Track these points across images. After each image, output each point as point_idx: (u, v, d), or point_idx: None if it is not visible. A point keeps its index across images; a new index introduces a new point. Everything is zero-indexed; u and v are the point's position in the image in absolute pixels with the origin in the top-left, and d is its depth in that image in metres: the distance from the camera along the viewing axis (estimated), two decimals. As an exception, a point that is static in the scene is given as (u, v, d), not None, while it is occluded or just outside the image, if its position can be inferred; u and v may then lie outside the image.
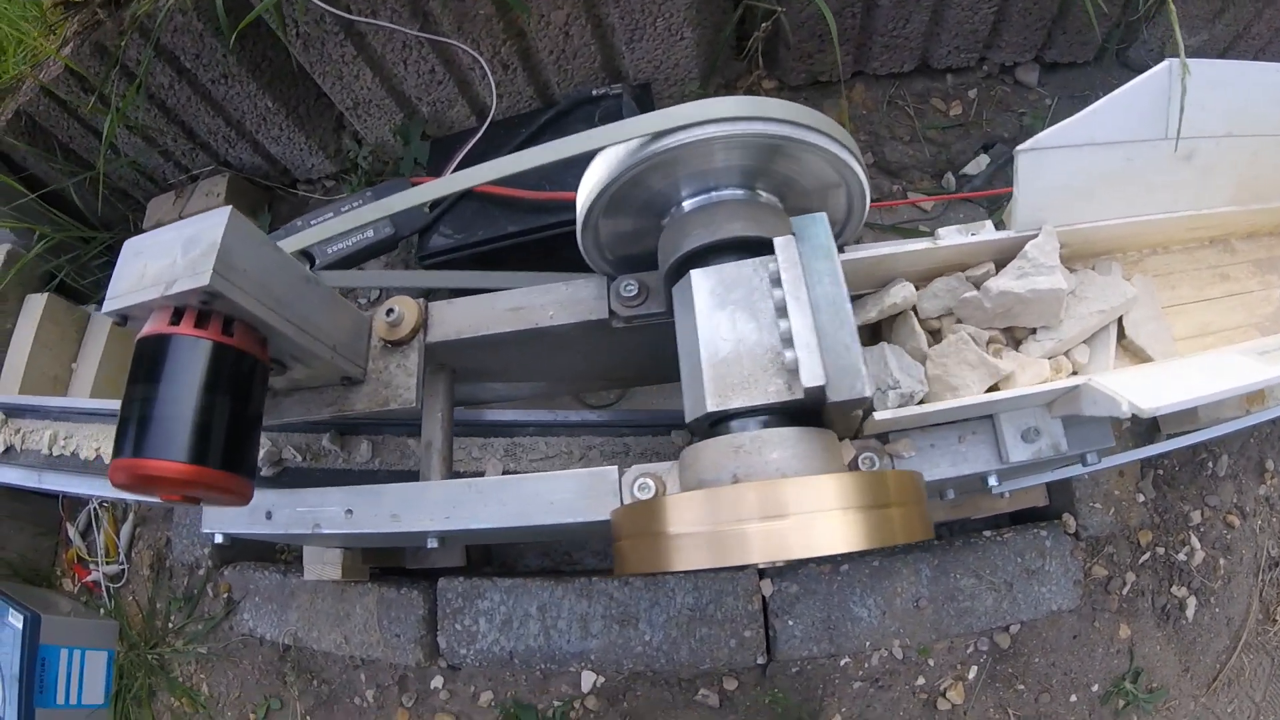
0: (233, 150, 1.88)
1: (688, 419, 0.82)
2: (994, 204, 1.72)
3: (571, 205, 1.42)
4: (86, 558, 2.01)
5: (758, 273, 0.82)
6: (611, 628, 1.46)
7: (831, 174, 0.90)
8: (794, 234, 0.82)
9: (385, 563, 1.60)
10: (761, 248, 0.82)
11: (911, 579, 1.51)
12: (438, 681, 1.58)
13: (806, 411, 0.78)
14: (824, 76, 1.69)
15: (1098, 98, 0.87)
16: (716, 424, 0.80)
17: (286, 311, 0.83)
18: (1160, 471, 1.73)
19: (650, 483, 0.86)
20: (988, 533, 1.57)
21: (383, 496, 1.02)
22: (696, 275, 0.83)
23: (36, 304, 2.00)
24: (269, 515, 1.06)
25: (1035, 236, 0.94)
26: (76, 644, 1.83)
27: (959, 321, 0.98)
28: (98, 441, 1.49)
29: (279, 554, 1.84)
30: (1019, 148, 0.90)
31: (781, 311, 0.77)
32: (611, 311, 1.04)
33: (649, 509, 0.75)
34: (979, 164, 1.75)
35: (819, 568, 1.48)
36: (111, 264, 0.78)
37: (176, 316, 0.75)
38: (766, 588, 1.46)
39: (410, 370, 1.05)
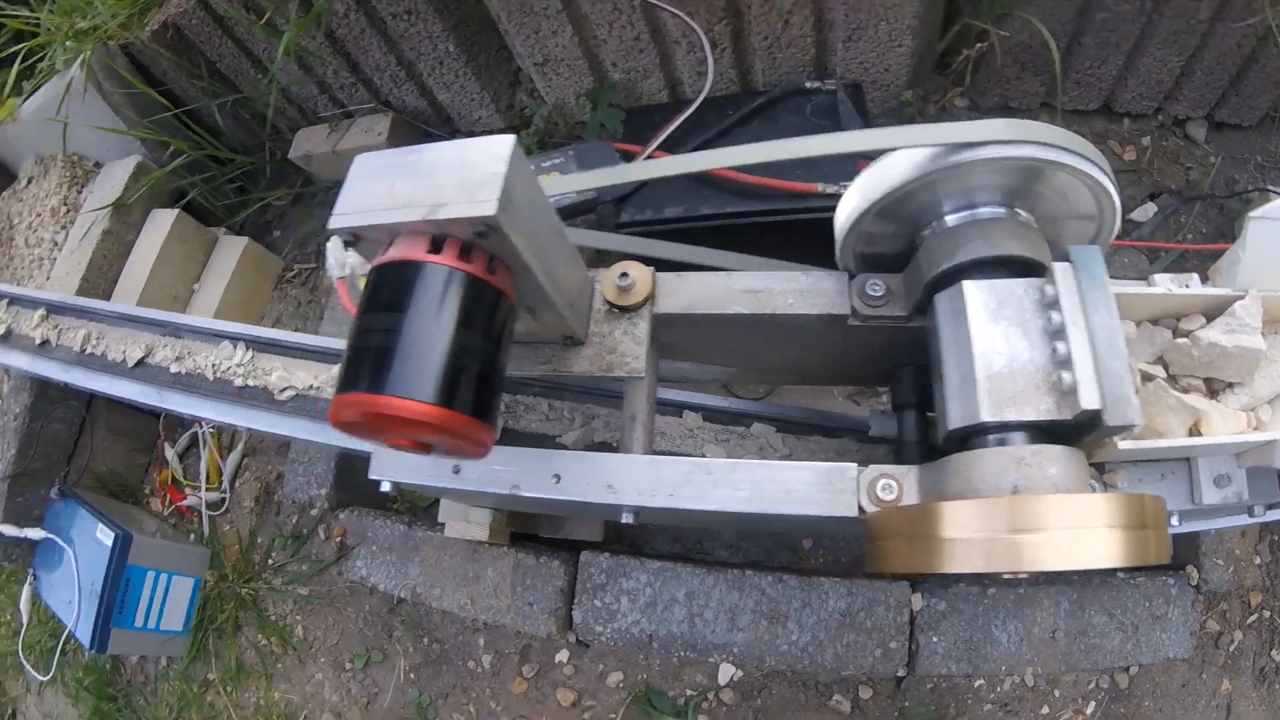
0: (396, 90, 1.84)
1: (951, 426, 0.83)
2: (1154, 254, 1.74)
3: (782, 194, 1.42)
4: (183, 481, 1.96)
5: (1028, 293, 0.83)
6: (760, 623, 1.45)
7: (1090, 207, 0.92)
8: (1071, 261, 0.84)
9: (523, 528, 1.58)
10: (1026, 268, 0.84)
11: (1051, 609, 1.52)
12: (563, 656, 1.56)
13: (1066, 432, 0.79)
14: (1014, 103, 1.70)
15: (1256, 161, 0.90)
16: (972, 436, 0.81)
17: (544, 257, 0.78)
18: (1276, 537, 1.77)
19: (893, 484, 0.86)
20: (1122, 574, 1.59)
21: (597, 465, 1.00)
22: (970, 286, 0.84)
23: (164, 220, 1.95)
24: (456, 470, 1.03)
25: (1243, 298, 0.97)
26: (163, 568, 1.78)
27: (1163, 365, 1.03)
28: (216, 359, 1.46)
29: (391, 503, 1.80)
30: (1252, 214, 0.94)
31: (1058, 334, 0.79)
32: (852, 309, 1.04)
33: (923, 513, 0.77)
34: (1145, 211, 1.76)
35: (968, 587, 1.49)
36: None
37: (435, 245, 0.67)
38: (917, 601, 1.47)
39: (639, 339, 1.02)
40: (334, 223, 0.68)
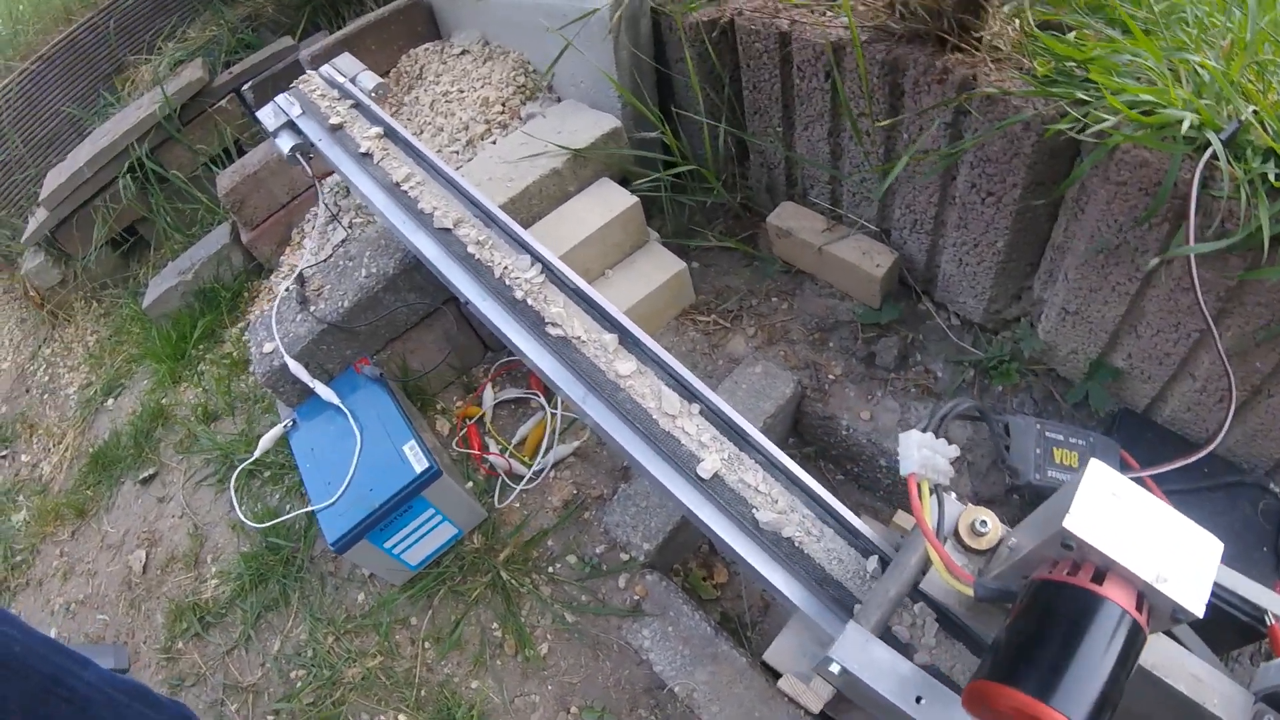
0: (910, 235, 1.82)
1: None
2: None
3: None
4: (492, 433, 1.93)
5: None
6: None
7: None
8: None
9: (836, 711, 1.55)
10: None
11: None
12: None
13: None
14: None
15: None
16: None
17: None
18: None
19: None
20: None
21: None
22: None
23: (617, 199, 1.94)
24: (919, 700, 1.00)
25: None
26: (442, 510, 1.74)
27: None
28: (512, 264, 1.48)
29: (707, 578, 1.78)
30: None
31: None
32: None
33: None
34: None
35: None
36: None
37: (1098, 577, 0.75)
38: None
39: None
40: (1069, 524, 0.74)
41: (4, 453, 3.06)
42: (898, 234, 1.85)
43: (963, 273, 1.74)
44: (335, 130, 1.86)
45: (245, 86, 3.29)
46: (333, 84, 2.01)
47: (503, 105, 2.25)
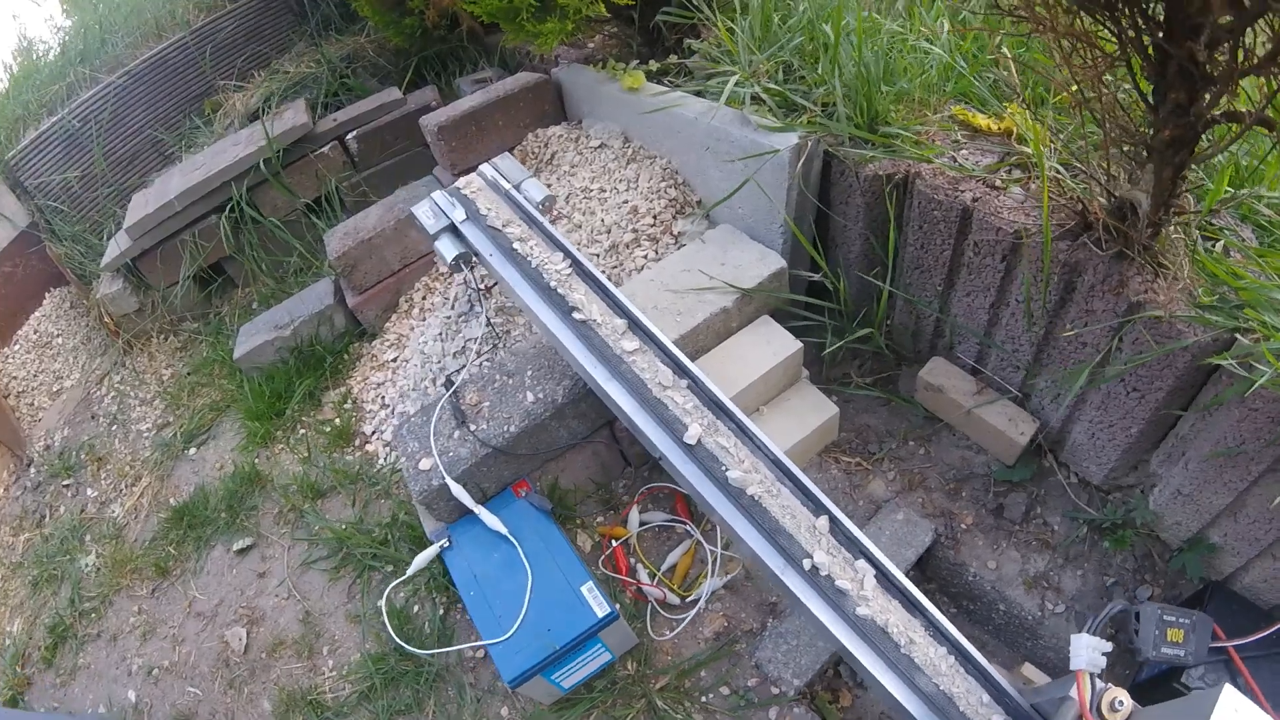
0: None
1: None
2: None
3: None
4: (644, 563, 1.93)
5: None
6: None
7: None
8: None
9: None
10: None
11: None
12: None
13: None
14: None
15: None
16: None
17: None
18: None
19: None
20: None
21: None
22: None
23: (780, 342, 1.96)
24: None
25: None
26: (605, 643, 1.73)
27: None
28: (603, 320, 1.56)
29: (833, 700, 1.79)
30: None
31: None
32: None
33: None
34: None
35: None
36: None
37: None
38: None
39: None
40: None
41: (68, 482, 2.99)
42: (1037, 401, 1.90)
43: (1093, 444, 1.80)
44: (507, 247, 1.85)
45: (350, 135, 3.28)
46: (496, 188, 2.00)
47: (653, 218, 2.26)
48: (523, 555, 1.70)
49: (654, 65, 2.48)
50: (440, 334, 2.39)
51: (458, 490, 1.74)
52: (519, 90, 2.72)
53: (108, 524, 2.72)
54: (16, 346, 3.68)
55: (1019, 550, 1.85)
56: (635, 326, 1.71)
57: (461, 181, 2.03)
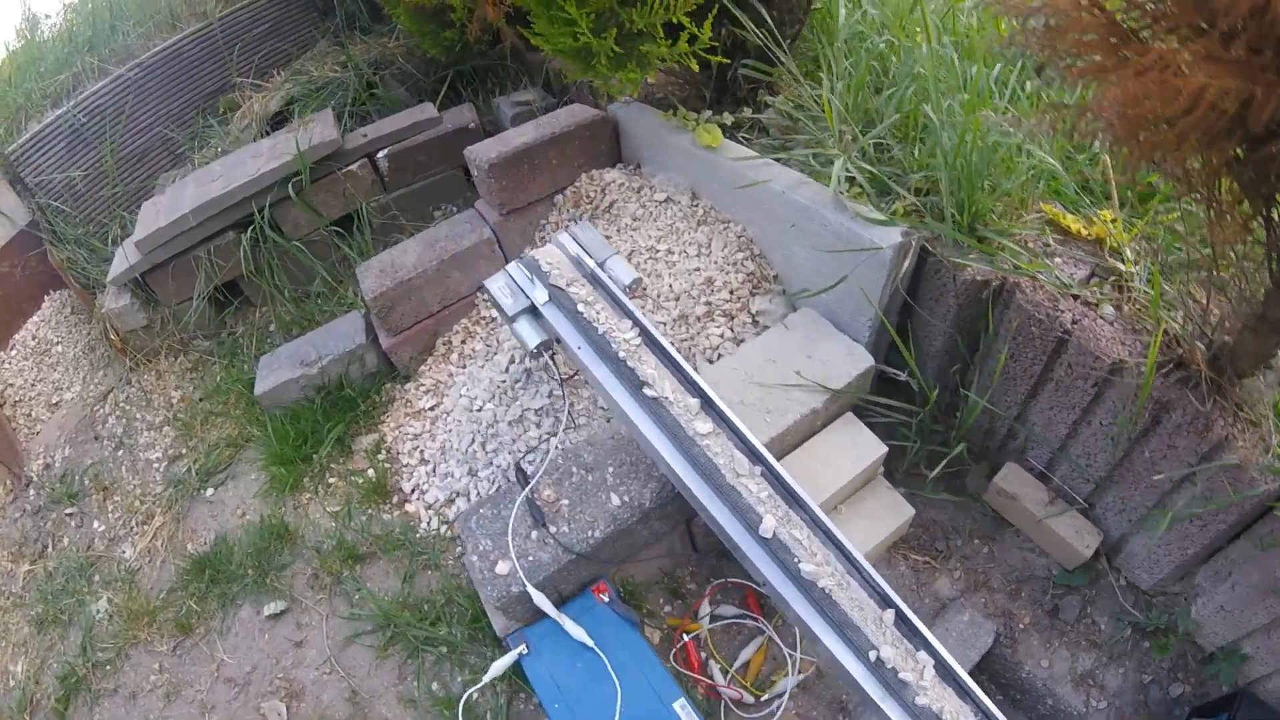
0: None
1: None
2: None
3: None
4: (716, 659, 1.86)
5: None
6: None
7: None
8: None
9: None
10: None
11: None
12: None
13: None
14: None
15: None
16: None
17: None
18: None
19: None
20: None
21: None
22: None
23: (865, 445, 1.93)
24: None
25: None
26: None
27: None
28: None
29: None
30: None
31: None
32: None
33: None
34: None
35: None
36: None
37: None
38: None
39: None
40: None
41: (71, 510, 2.82)
42: (1101, 510, 1.89)
43: (1148, 556, 1.82)
44: (598, 340, 1.74)
45: (381, 154, 3.11)
46: (580, 266, 1.88)
47: (730, 292, 2.16)
48: (610, 668, 1.62)
49: (728, 118, 2.37)
50: (493, 396, 2.28)
51: (540, 599, 1.65)
52: (575, 129, 2.58)
53: (118, 565, 2.57)
54: (13, 352, 3.46)
55: (1069, 649, 1.88)
56: (709, 407, 1.65)
57: (541, 254, 1.90)
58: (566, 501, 1.77)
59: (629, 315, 1.75)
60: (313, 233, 3.13)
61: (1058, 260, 1.76)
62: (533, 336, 1.78)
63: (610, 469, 1.81)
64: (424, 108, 3.20)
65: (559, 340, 1.77)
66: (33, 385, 3.31)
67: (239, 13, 3.53)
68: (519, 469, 1.83)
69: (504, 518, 1.76)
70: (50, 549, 2.74)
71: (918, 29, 2.16)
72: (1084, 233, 1.80)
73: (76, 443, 3.05)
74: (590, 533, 1.71)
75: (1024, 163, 1.85)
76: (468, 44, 3.10)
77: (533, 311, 1.81)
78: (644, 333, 1.73)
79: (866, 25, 2.40)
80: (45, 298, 3.57)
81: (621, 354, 1.68)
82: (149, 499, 2.73)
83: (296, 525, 2.42)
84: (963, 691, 1.40)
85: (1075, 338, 1.64)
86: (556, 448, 1.85)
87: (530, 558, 1.70)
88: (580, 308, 1.74)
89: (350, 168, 3.08)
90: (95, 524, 2.75)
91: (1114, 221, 1.77)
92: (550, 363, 1.82)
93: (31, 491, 2.95)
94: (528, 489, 1.76)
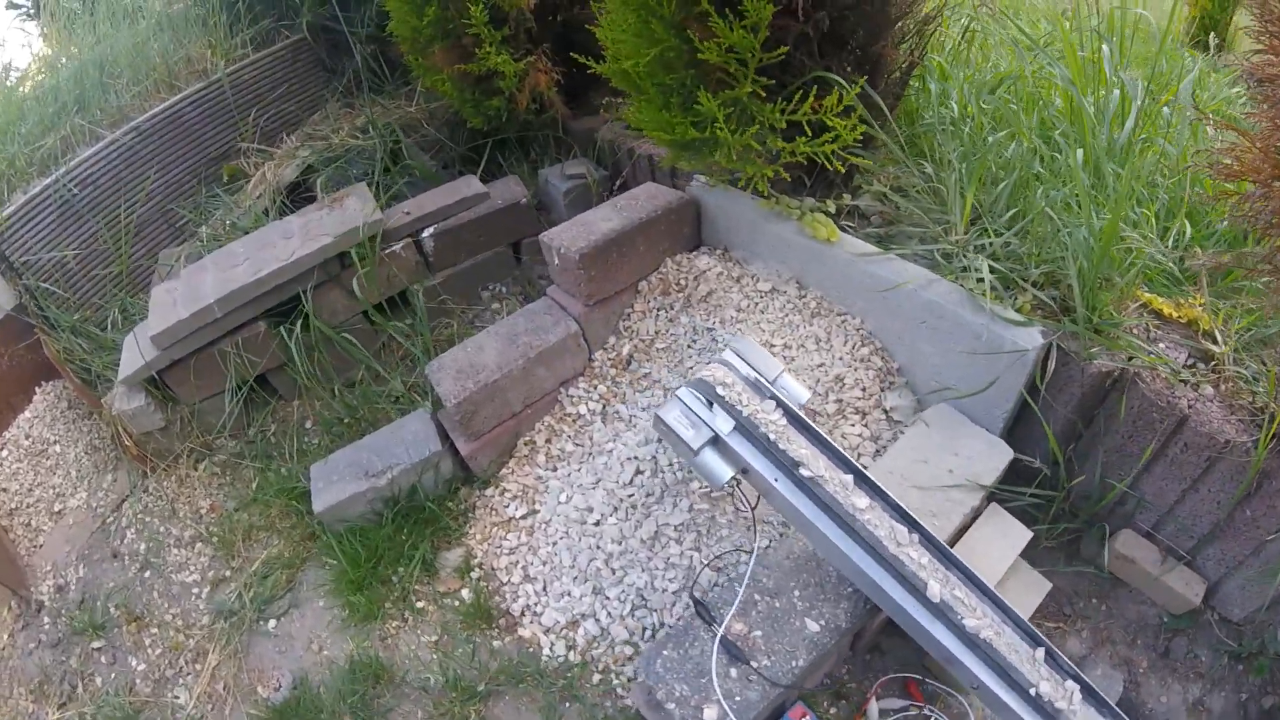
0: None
1: None
2: None
3: None
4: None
5: None
6: None
7: None
8: None
9: None
10: None
11: None
12: None
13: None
14: None
15: None
16: None
17: None
18: None
19: None
20: None
21: None
22: None
23: (1014, 535, 1.92)
24: None
25: None
26: None
27: None
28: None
29: None
30: None
31: None
32: None
33: None
34: None
35: None
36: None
37: None
38: None
39: None
40: None
41: (98, 644, 2.50)
42: (1202, 561, 1.99)
43: (1242, 594, 1.93)
44: (787, 464, 1.65)
45: (427, 233, 2.92)
46: (759, 389, 1.78)
47: (862, 389, 2.10)
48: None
49: (830, 205, 2.31)
50: (614, 509, 2.13)
51: (758, 744, 1.53)
52: (661, 213, 2.48)
53: (171, 713, 2.27)
54: (4, 453, 3.05)
55: (1180, 683, 2.02)
56: (861, 480, 1.67)
57: (712, 376, 1.78)
58: (760, 633, 1.66)
59: (818, 442, 1.66)
60: (351, 317, 2.89)
61: (1161, 346, 1.86)
62: (724, 470, 1.66)
63: (796, 592, 1.71)
64: (468, 181, 3.01)
65: (745, 471, 1.66)
66: (30, 491, 2.93)
67: (243, 70, 3.25)
68: (697, 602, 1.71)
69: (693, 658, 1.64)
70: (81, 689, 2.41)
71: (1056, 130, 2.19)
72: (1175, 316, 1.91)
73: (92, 561, 2.71)
74: (793, 662, 1.61)
75: (1136, 258, 1.93)
76: (514, 113, 2.94)
77: (714, 441, 1.70)
78: (836, 457, 1.65)
79: (963, 109, 2.40)
80: (36, 390, 3.17)
81: (810, 475, 1.61)
82: (196, 632, 2.44)
83: (389, 660, 2.20)
84: (1100, 704, 1.55)
85: (1192, 421, 1.74)
86: (748, 581, 1.73)
87: (737, 698, 1.58)
88: (772, 435, 1.64)
89: (394, 248, 2.86)
90: (132, 661, 2.44)
91: (1203, 304, 1.90)
92: (741, 494, 1.71)
93: (46, 619, 2.59)
94: (723, 626, 1.64)
